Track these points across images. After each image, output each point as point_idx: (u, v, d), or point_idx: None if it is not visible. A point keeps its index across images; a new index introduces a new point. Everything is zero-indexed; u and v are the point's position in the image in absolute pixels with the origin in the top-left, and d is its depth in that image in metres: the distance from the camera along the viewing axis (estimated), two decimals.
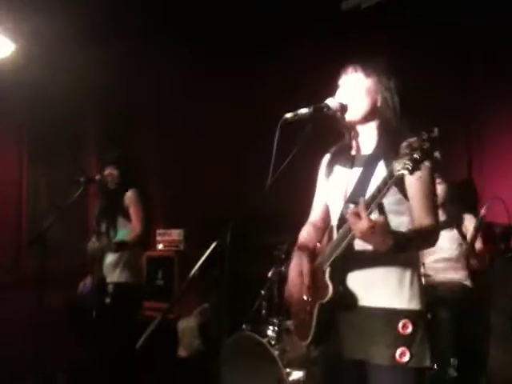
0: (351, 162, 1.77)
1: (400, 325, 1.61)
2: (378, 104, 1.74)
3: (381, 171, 1.63)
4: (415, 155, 1.40)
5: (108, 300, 3.18)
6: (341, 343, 1.66)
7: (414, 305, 1.65)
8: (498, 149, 3.53)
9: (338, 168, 1.81)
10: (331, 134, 1.88)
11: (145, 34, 3.92)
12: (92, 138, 4.45)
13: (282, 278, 3.01)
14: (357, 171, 1.73)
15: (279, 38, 3.95)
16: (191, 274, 1.61)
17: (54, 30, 3.51)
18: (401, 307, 1.63)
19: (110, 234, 3.24)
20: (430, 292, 2.81)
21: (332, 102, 1.75)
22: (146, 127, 4.59)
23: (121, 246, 3.17)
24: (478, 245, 3.08)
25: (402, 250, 1.57)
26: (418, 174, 1.46)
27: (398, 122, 1.72)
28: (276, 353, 2.71)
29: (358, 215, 1.48)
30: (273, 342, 2.78)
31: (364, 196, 1.55)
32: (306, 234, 1.90)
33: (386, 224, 1.49)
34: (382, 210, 1.53)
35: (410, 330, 1.61)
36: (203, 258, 1.61)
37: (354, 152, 1.80)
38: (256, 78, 4.10)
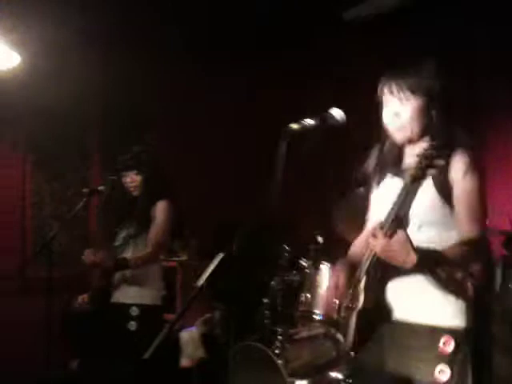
0: (400, 171, 1.72)
1: (441, 342, 1.57)
2: (432, 120, 1.65)
3: (427, 184, 1.58)
4: (422, 163, 1.42)
5: (132, 325, 2.81)
6: (382, 356, 1.65)
7: (458, 322, 1.61)
8: (500, 153, 3.55)
9: (388, 177, 1.76)
10: (338, 144, 1.89)
11: (150, 41, 3.95)
12: (96, 147, 4.46)
13: (286, 287, 3.03)
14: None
15: (279, 48, 3.99)
16: (198, 284, 1.62)
17: (57, 40, 3.55)
18: (443, 324, 1.60)
19: (124, 247, 2.90)
20: None
21: (337, 113, 1.77)
22: (150, 135, 4.60)
23: (121, 266, 2.81)
24: None
25: (432, 266, 1.53)
26: (463, 184, 1.44)
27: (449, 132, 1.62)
28: (280, 362, 2.71)
29: (374, 235, 1.48)
30: (277, 352, 2.78)
31: (408, 210, 1.53)
32: (357, 242, 1.91)
33: (405, 240, 1.46)
34: (400, 224, 1.49)
35: (451, 347, 1.57)
36: (210, 270, 1.61)
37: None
38: (262, 88, 4.11)
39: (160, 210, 2.89)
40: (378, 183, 1.78)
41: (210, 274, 1.63)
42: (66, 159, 4.31)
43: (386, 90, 1.69)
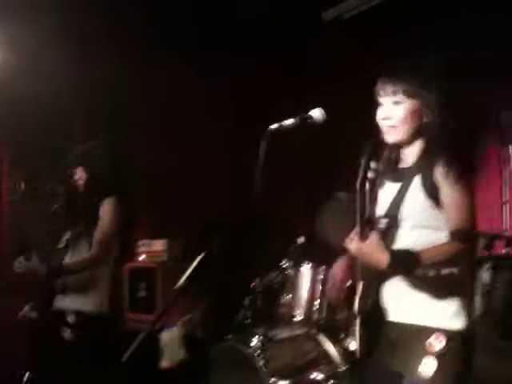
0: (396, 174, 1.74)
1: (431, 338, 1.59)
2: (424, 120, 1.66)
3: (415, 186, 1.62)
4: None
5: (67, 334, 2.62)
6: (382, 357, 1.66)
7: (453, 323, 1.61)
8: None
9: (385, 181, 1.78)
10: (319, 143, 1.90)
11: (136, 35, 3.92)
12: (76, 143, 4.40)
13: (266, 288, 3.03)
14: (398, 186, 1.70)
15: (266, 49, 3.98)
16: (178, 285, 1.61)
17: (35, 37, 3.50)
18: (436, 325, 1.61)
19: (67, 250, 2.69)
20: None
21: (316, 114, 1.78)
22: (134, 133, 4.56)
23: (54, 272, 2.60)
24: None
25: (410, 266, 1.55)
26: (448, 185, 1.47)
27: (446, 131, 1.63)
28: (261, 362, 2.71)
29: (351, 238, 1.55)
30: (258, 352, 2.77)
31: (397, 212, 1.58)
32: None
33: (377, 242, 1.52)
34: (373, 227, 1.57)
35: (440, 345, 1.58)
36: (190, 270, 1.61)
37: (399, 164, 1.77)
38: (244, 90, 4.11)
39: (106, 209, 2.67)
40: (375, 187, 1.78)
41: (190, 275, 1.63)
42: (45, 158, 4.25)
43: (381, 91, 1.71)
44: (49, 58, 3.69)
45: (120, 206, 2.70)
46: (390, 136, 1.70)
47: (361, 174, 1.63)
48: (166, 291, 3.95)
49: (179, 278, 4.17)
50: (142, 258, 4.20)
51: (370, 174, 1.63)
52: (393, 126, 1.68)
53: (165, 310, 1.69)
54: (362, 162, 1.64)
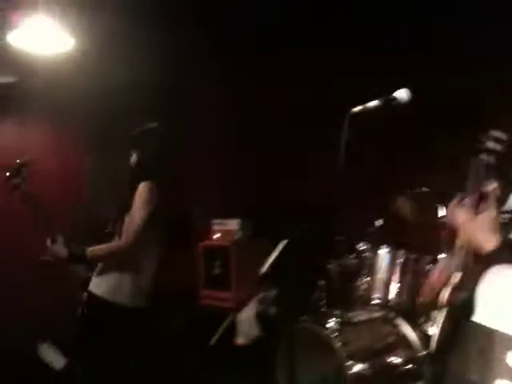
0: None
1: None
2: None
3: None
4: None
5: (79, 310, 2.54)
6: (466, 359, 1.56)
7: None
8: None
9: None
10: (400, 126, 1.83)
11: (201, 22, 3.91)
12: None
13: (343, 270, 2.99)
14: None
15: None
16: (262, 271, 1.61)
17: (110, 24, 3.56)
18: None
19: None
20: None
21: (403, 94, 1.71)
22: (205, 115, 4.59)
23: (75, 258, 2.50)
24: None
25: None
26: None
27: None
28: (338, 344, 2.70)
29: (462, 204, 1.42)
30: (334, 334, 2.76)
31: None
32: None
33: (491, 219, 1.39)
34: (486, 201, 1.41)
35: None
36: (274, 257, 1.60)
37: None
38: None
39: (138, 194, 2.48)
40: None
41: (274, 261, 1.62)
42: (119, 142, 4.37)
43: None
44: (122, 48, 3.76)
45: (157, 192, 2.50)
46: None
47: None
48: (239, 269, 4.01)
49: (252, 256, 4.21)
50: (216, 236, 4.28)
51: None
52: None
53: (249, 297, 1.70)
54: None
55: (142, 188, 2.48)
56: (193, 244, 4.28)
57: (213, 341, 1.56)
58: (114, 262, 2.50)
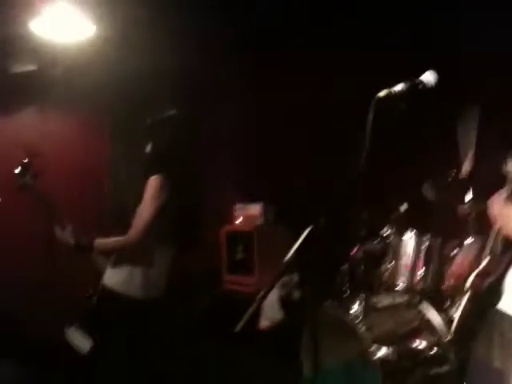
0: None
1: None
2: None
3: None
4: None
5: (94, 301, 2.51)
6: (489, 348, 1.58)
7: None
8: None
9: None
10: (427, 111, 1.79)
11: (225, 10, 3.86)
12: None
13: (367, 255, 2.98)
14: None
15: None
16: (286, 259, 1.61)
17: (131, 10, 3.55)
18: None
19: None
20: None
21: (429, 77, 1.67)
22: (226, 101, 4.57)
23: (80, 247, 2.44)
24: None
25: None
26: None
27: None
28: (362, 329, 2.70)
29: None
30: (358, 319, 2.76)
31: None
32: None
33: None
34: None
35: None
36: (298, 244, 1.60)
37: None
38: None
39: (149, 186, 2.38)
40: None
41: (298, 248, 1.62)
42: (141, 129, 4.38)
43: None
44: (144, 34, 3.75)
45: (169, 186, 2.39)
46: None
47: None
48: (262, 254, 4.03)
49: (275, 240, 4.21)
50: (238, 221, 4.29)
51: None
52: None
53: (273, 284, 1.70)
54: None
55: (153, 181, 2.38)
56: (209, 232, 4.28)
57: (238, 327, 1.56)
58: (126, 255, 2.44)
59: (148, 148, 2.55)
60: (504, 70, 2.84)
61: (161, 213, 2.37)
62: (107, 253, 2.49)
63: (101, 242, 2.44)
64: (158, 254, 2.50)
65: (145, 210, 2.36)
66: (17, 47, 3.74)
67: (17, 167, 2.49)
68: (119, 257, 2.46)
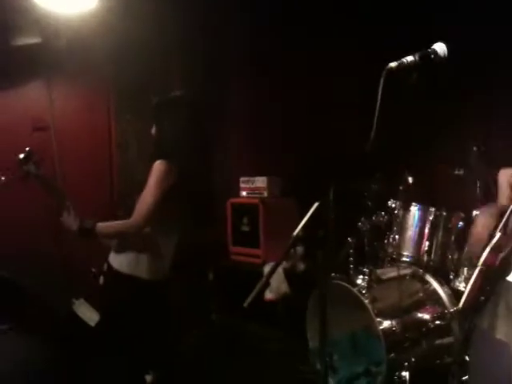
0: None
1: None
2: None
3: None
4: None
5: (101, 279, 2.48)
6: (494, 317, 1.58)
7: None
8: None
9: None
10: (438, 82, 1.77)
11: None
12: (176, 89, 4.45)
13: (373, 228, 2.98)
14: None
15: None
16: (295, 234, 1.61)
17: None
18: None
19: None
20: None
21: (440, 48, 1.64)
22: (232, 75, 4.51)
23: (84, 231, 2.38)
24: None
25: None
26: None
27: None
28: (367, 301, 2.72)
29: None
30: (364, 291, 2.78)
31: None
32: None
33: None
34: None
35: None
36: (306, 218, 1.60)
37: None
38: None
39: (154, 171, 2.33)
40: None
41: (306, 223, 1.62)
42: (149, 102, 4.34)
43: None
44: (149, 5, 3.69)
45: (173, 171, 2.34)
46: None
47: None
48: (267, 226, 4.04)
49: (280, 213, 4.20)
50: (244, 193, 4.29)
51: None
52: None
53: (280, 261, 1.70)
54: None
55: (157, 167, 2.32)
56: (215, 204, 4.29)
57: (246, 303, 1.57)
58: (130, 239, 2.41)
59: (153, 130, 2.48)
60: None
61: (165, 198, 2.33)
62: (110, 237, 2.45)
63: (104, 225, 2.39)
64: (164, 237, 2.48)
65: (149, 195, 2.31)
66: (19, 19, 3.69)
67: (19, 156, 2.40)
68: (124, 240, 2.43)
